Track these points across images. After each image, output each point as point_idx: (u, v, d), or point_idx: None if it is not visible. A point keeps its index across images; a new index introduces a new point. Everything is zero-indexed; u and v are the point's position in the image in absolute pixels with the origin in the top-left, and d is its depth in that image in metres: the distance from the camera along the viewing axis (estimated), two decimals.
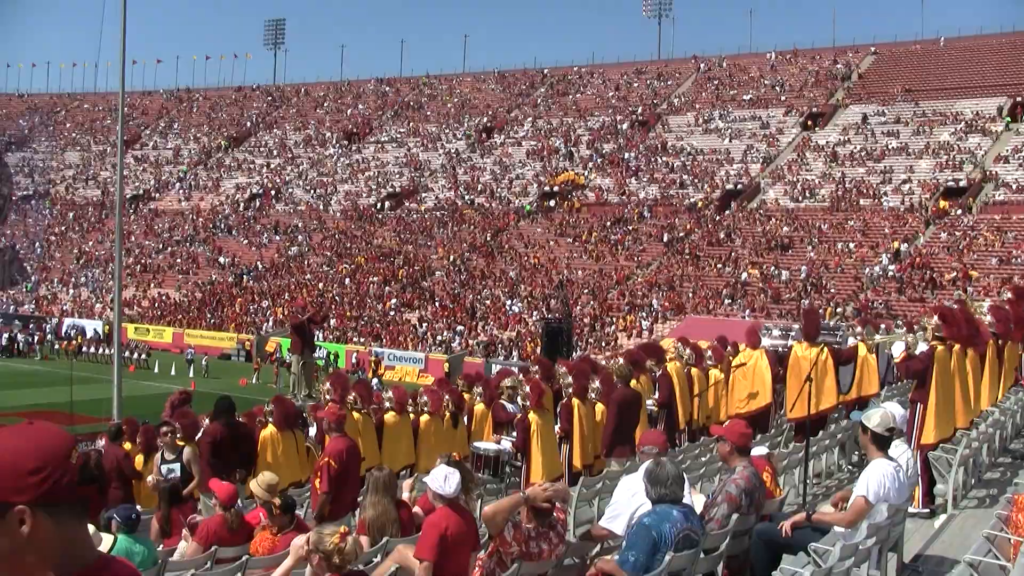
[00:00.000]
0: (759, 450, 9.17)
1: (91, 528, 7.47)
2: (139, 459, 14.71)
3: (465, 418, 16.30)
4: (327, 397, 15.20)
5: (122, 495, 13.19)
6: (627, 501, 7.60)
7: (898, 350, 11.86)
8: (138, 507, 10.39)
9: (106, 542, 7.65)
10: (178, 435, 13.66)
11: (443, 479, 7.41)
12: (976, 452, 11.74)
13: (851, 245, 62.79)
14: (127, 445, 15.38)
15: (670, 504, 6.78)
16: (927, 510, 10.64)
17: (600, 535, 7.91)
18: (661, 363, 15.76)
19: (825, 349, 13.83)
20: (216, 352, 64.18)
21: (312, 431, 15.53)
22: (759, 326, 17.27)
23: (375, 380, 50.06)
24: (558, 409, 14.29)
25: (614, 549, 7.44)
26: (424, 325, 64.78)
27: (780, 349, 16.12)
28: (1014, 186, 65.04)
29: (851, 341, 15.31)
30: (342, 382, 15.31)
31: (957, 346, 11.96)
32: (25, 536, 2.36)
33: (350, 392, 14.85)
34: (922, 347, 11.72)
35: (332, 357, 58.42)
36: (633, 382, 14.50)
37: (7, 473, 2.38)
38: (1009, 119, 73.30)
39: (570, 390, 14.25)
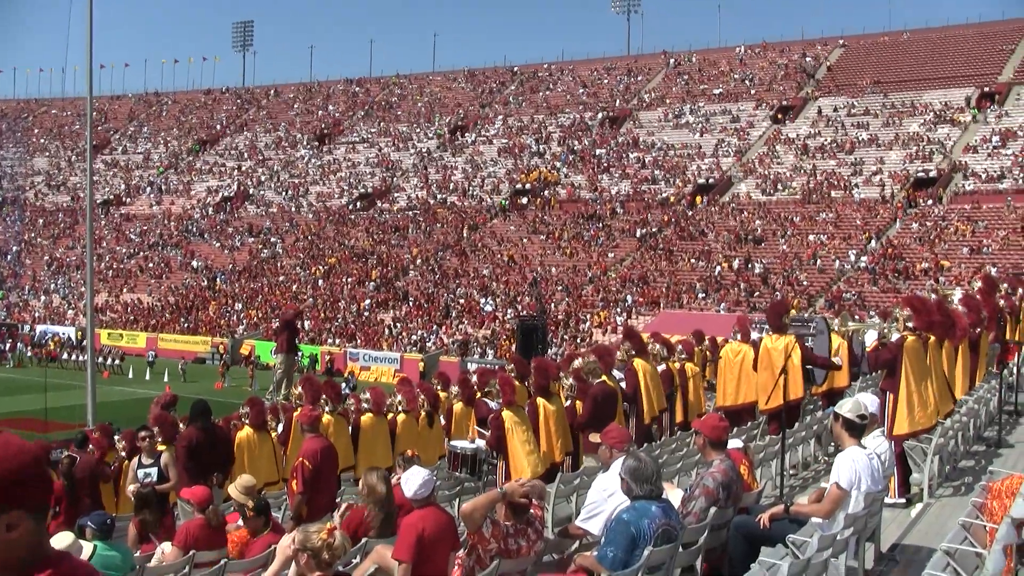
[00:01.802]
0: (735, 443, 9.18)
1: (71, 536, 7.42)
2: (126, 464, 14.67)
3: (442, 417, 16.29)
4: (297, 402, 15.18)
5: (91, 503, 13.13)
6: (603, 500, 7.61)
7: (870, 339, 11.91)
8: (112, 514, 10.35)
9: (86, 550, 7.59)
10: (158, 439, 13.61)
11: (405, 481, 7.41)
12: (951, 441, 11.81)
13: (823, 237, 63.07)
14: (116, 450, 15.35)
15: (648, 500, 6.78)
16: (903, 499, 10.68)
17: (577, 534, 7.92)
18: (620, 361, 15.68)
19: (793, 340, 13.86)
20: (191, 356, 63.95)
21: (280, 427, 15.53)
22: (748, 320, 17.27)
23: (350, 381, 50.06)
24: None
25: (593, 545, 7.44)
26: (398, 325, 64.71)
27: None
28: (983, 176, 65.47)
29: (836, 360, 15.22)
30: (313, 385, 15.28)
31: (932, 338, 12.00)
32: (8, 540, 2.43)
33: (321, 394, 14.81)
34: (894, 337, 11.76)
35: (310, 359, 58.29)
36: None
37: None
38: (976, 110, 73.75)
39: (533, 388, 14.22)
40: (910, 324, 11.82)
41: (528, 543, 7.07)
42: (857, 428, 8.17)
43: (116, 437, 16.40)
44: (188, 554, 9.01)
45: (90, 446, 15.38)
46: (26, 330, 74.28)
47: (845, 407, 8.26)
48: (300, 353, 43.73)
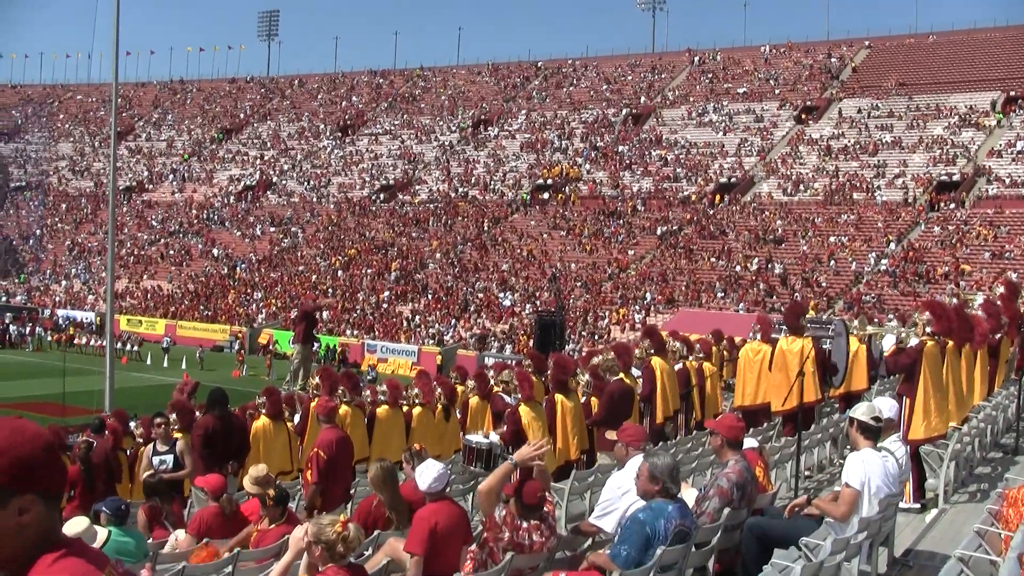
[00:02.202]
0: (750, 443, 9.15)
1: (86, 521, 7.46)
2: (141, 451, 14.73)
3: (458, 411, 16.30)
4: (315, 392, 15.22)
5: (105, 489, 13.17)
6: (617, 498, 7.60)
7: (888, 344, 11.86)
8: (127, 500, 10.40)
9: (101, 535, 7.63)
10: (174, 427, 13.65)
11: (419, 475, 7.42)
12: (967, 447, 11.76)
13: (844, 239, 62.86)
14: (132, 436, 15.41)
15: (664, 499, 6.78)
16: (918, 504, 10.65)
17: (590, 532, 7.92)
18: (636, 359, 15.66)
19: (810, 343, 13.82)
20: (209, 344, 64.17)
21: (297, 418, 15.55)
22: (770, 320, 17.20)
23: (369, 373, 50.19)
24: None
25: (605, 543, 7.44)
26: (417, 318, 64.80)
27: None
28: (1007, 180, 65.11)
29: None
30: (330, 376, 15.30)
31: (951, 343, 11.95)
32: (20, 523, 2.48)
33: (338, 385, 14.84)
34: (913, 342, 11.71)
35: (327, 350, 58.45)
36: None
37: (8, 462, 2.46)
38: (1001, 114, 73.34)
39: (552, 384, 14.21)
40: (929, 329, 11.77)
41: (542, 538, 7.07)
42: (872, 431, 8.16)
43: (133, 424, 16.47)
44: (202, 542, 9.05)
45: (106, 432, 15.44)
46: (46, 314, 74.65)
47: (859, 411, 8.26)
48: (318, 344, 43.85)
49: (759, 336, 15.55)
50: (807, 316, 15.41)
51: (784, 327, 15.10)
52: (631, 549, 6.55)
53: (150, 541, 9.60)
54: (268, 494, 8.92)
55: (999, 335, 14.80)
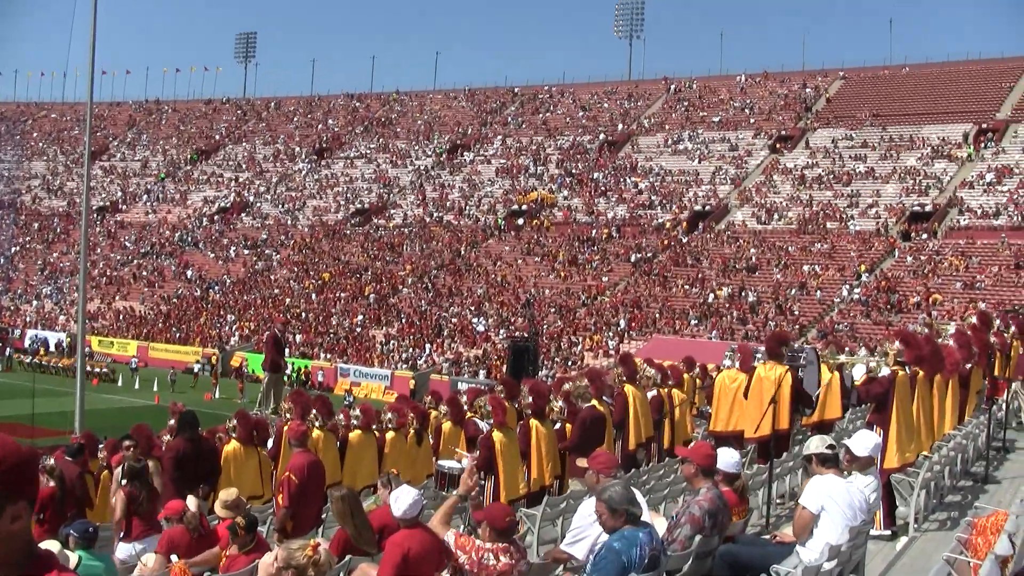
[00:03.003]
0: (729, 465, 9.08)
1: (57, 546, 7.42)
2: (105, 475, 14.63)
3: (431, 436, 16.27)
4: (287, 416, 15.14)
5: (74, 512, 13.08)
6: (588, 525, 7.59)
7: (859, 373, 11.92)
8: (95, 523, 10.33)
9: (72, 559, 7.59)
10: (139, 450, 13.57)
11: (395, 500, 7.41)
12: (938, 475, 11.82)
13: (817, 268, 63.18)
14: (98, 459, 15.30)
15: (634, 527, 6.77)
16: (888, 532, 10.69)
17: (561, 559, 7.90)
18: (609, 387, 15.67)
19: (786, 371, 13.87)
20: (181, 366, 63.78)
21: (270, 443, 15.47)
22: (751, 348, 17.26)
23: (349, 397, 50.05)
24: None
25: (577, 570, 7.43)
26: (391, 342, 64.68)
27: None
28: (979, 211, 65.64)
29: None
30: (303, 400, 15.25)
31: (922, 373, 12.02)
32: (11, 531, 2.51)
33: (311, 409, 14.79)
34: (884, 371, 11.77)
35: (297, 373, 58.29)
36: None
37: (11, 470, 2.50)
38: (971, 148, 73.96)
39: (528, 411, 14.20)
40: (901, 359, 11.85)
41: (511, 560, 7.06)
42: (831, 459, 8.23)
43: (100, 446, 16.36)
44: (171, 562, 9.00)
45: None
46: (16, 335, 74.08)
47: (811, 447, 8.36)
48: (286, 366, 43.62)
49: (737, 364, 15.58)
50: (788, 346, 15.44)
51: (762, 354, 15.14)
52: None
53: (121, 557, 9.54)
54: (238, 522, 8.86)
55: (970, 365, 14.90)
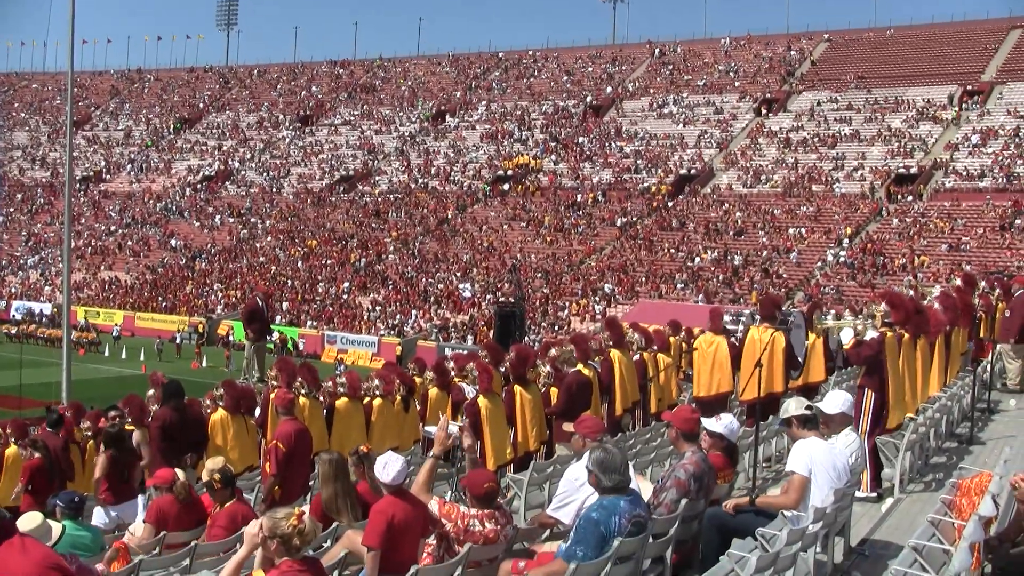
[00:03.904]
0: (723, 427, 9.01)
1: (40, 517, 7.41)
2: (90, 444, 14.59)
3: (417, 403, 16.24)
4: (274, 383, 15.08)
5: (60, 482, 13.08)
6: (575, 490, 7.59)
7: (847, 337, 11.90)
8: (82, 493, 10.33)
9: (55, 530, 7.57)
10: (127, 420, 13.53)
11: (383, 467, 7.40)
12: (923, 437, 11.85)
13: (803, 231, 63.26)
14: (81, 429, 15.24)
15: (617, 494, 6.77)
16: (874, 494, 10.72)
17: (547, 523, 7.92)
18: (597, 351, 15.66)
19: (780, 334, 13.88)
20: (168, 335, 63.66)
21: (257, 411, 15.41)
22: (722, 311, 17.27)
23: (340, 366, 49.98)
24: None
25: (563, 535, 7.44)
26: (377, 309, 64.65)
27: (736, 336, 16.13)
28: (964, 174, 65.72)
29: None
30: (288, 367, 15.17)
31: (907, 335, 12.03)
32: None
33: (296, 377, 14.75)
34: (871, 334, 11.77)
35: (283, 341, 58.20)
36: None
37: None
38: (956, 108, 73.98)
39: (512, 375, 14.17)
40: (888, 320, 11.85)
41: (496, 526, 7.06)
42: (811, 420, 8.26)
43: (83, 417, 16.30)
44: (159, 534, 9.01)
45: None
46: (1, 306, 73.85)
47: (789, 410, 8.36)
48: (271, 335, 43.40)
49: (711, 327, 15.62)
50: (781, 309, 15.43)
51: (757, 317, 15.15)
52: (587, 549, 6.56)
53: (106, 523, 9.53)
54: (215, 477, 8.92)
55: (954, 327, 14.93)
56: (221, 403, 14.28)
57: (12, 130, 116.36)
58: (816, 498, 7.67)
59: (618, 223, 70.13)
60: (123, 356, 56.69)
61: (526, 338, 46.72)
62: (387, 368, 17.51)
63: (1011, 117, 70.57)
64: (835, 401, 9.28)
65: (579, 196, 75.35)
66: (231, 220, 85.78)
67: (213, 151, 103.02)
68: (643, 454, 12.36)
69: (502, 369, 14.49)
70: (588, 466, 6.96)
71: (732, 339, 15.63)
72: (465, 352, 24.77)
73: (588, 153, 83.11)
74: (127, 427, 13.29)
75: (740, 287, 57.37)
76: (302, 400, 13.91)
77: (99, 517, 11.29)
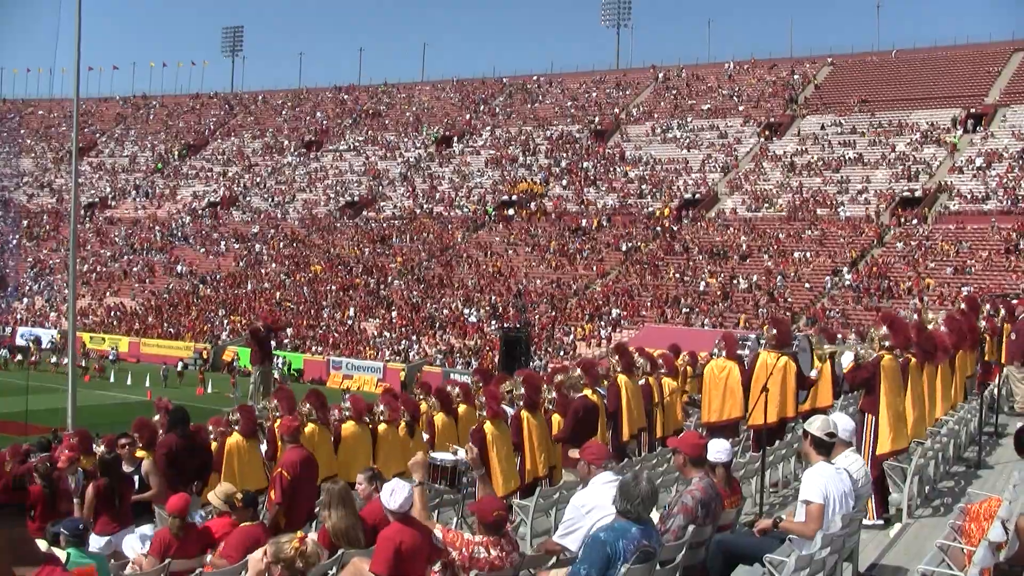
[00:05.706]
0: (720, 456, 9.02)
1: (44, 544, 7.40)
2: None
3: (424, 432, 16.18)
4: (275, 413, 15.03)
5: (66, 509, 13.03)
6: (581, 517, 7.57)
7: (847, 361, 11.88)
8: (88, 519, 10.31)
9: (60, 557, 7.55)
10: (137, 446, 13.49)
11: (389, 494, 7.39)
12: (930, 462, 11.81)
13: (808, 254, 63.23)
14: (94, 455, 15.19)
15: (630, 521, 6.74)
16: (881, 520, 10.67)
17: (554, 550, 7.89)
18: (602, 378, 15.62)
19: (789, 360, 13.85)
20: (173, 361, 63.64)
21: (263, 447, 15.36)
22: (735, 336, 17.24)
23: (346, 395, 49.92)
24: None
25: (569, 562, 7.42)
26: (382, 334, 64.64)
27: (744, 360, 16.09)
28: (968, 196, 65.71)
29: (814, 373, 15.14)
30: (288, 396, 15.15)
31: (914, 361, 11.98)
32: None
33: (297, 404, 14.70)
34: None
35: (287, 367, 58.21)
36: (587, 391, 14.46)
37: None
38: (960, 131, 74.02)
39: (520, 402, 14.14)
40: (887, 343, 11.81)
41: (501, 553, 7.05)
42: (825, 446, 8.24)
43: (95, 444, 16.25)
44: (163, 562, 8.98)
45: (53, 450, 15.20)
46: (7, 332, 73.88)
47: (814, 425, 8.34)
48: (276, 360, 43.49)
49: (724, 352, 15.54)
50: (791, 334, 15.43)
51: (764, 342, 15.07)
52: (591, 568, 6.53)
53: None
54: (236, 496, 8.95)
55: (959, 350, 14.90)
56: (237, 427, 14.25)
57: (18, 156, 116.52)
58: (826, 524, 7.64)
59: (623, 248, 70.15)
60: (128, 382, 56.67)
61: (532, 363, 46.72)
62: (388, 394, 17.47)
63: (1015, 139, 70.56)
64: (839, 424, 9.27)
65: (584, 221, 75.39)
66: (236, 246, 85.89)
67: (218, 177, 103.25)
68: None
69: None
70: (617, 487, 6.95)
71: (742, 364, 15.59)
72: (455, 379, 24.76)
73: (593, 178, 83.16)
74: (137, 453, 13.27)
75: (747, 311, 57.30)
76: (310, 426, 13.88)
77: (93, 545, 11.25)
